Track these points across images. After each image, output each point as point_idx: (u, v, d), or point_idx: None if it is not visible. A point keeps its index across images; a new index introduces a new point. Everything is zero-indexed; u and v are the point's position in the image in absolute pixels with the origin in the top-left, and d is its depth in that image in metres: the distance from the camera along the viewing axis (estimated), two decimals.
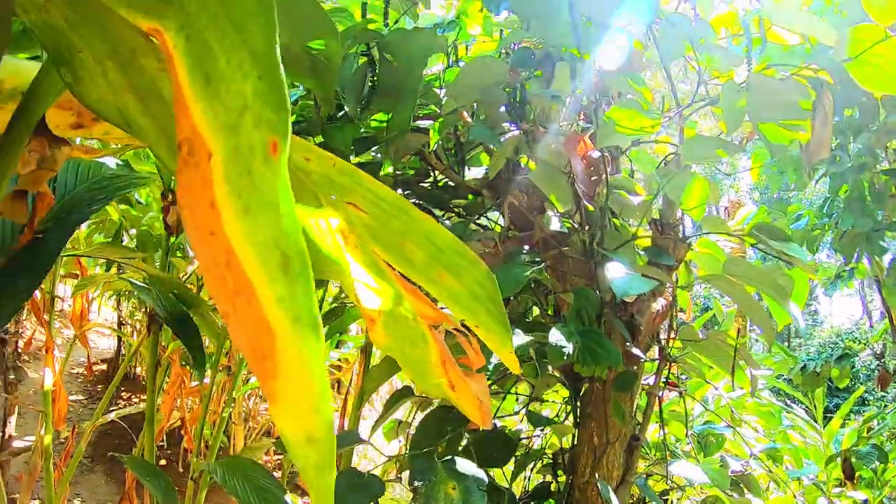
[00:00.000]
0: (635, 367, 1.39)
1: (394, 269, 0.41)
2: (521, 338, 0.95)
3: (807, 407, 3.43)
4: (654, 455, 1.90)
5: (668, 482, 1.46)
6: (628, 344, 1.11)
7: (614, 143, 1.06)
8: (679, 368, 1.62)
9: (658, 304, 0.94)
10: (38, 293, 1.51)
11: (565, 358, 0.87)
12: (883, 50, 0.98)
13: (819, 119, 0.97)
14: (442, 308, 0.45)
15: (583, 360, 0.89)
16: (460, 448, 1.08)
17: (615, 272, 0.86)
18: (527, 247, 1.10)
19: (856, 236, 3.03)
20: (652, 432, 2.12)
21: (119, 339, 4.62)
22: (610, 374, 1.24)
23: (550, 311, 1.21)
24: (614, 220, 1.35)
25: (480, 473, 0.86)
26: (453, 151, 1.56)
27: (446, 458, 0.88)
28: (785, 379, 3.67)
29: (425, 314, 0.42)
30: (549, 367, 1.39)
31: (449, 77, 1.33)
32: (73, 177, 0.76)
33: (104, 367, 4.68)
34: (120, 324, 4.33)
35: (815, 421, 3.25)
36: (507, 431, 1.42)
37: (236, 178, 0.24)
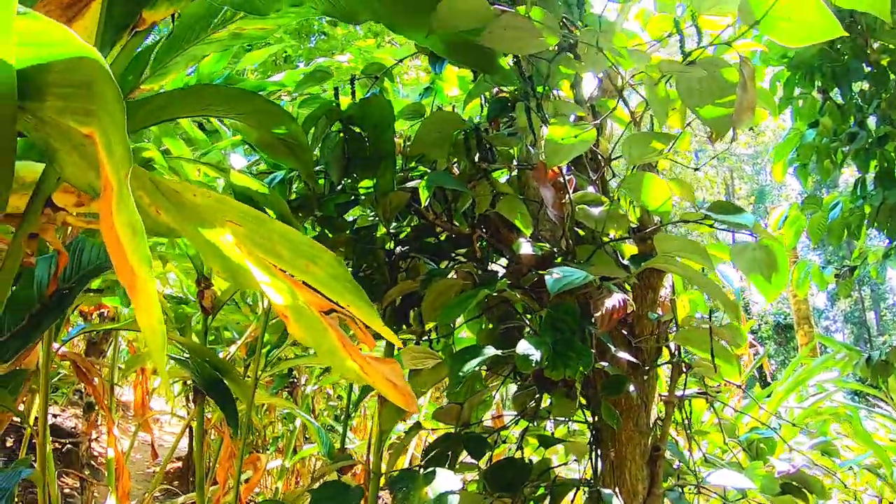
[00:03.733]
0: (645, 377, 1.41)
1: (277, 268, 0.53)
2: (490, 350, 1.02)
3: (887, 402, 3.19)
4: (704, 468, 1.84)
5: (696, 491, 1.43)
6: (613, 349, 1.15)
7: (562, 162, 1.15)
8: (700, 373, 1.60)
9: (613, 301, 0.99)
10: (97, 381, 1.70)
11: (534, 365, 0.94)
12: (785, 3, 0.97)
13: (741, 85, 1.03)
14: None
15: (552, 365, 0.95)
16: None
17: (554, 275, 0.93)
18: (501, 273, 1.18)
19: (891, 209, 2.91)
20: (708, 448, 2.05)
21: (191, 436, 4.87)
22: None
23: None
24: (604, 236, 1.42)
25: (456, 481, 0.92)
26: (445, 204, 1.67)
27: (428, 470, 0.94)
28: (859, 379, 3.45)
29: (311, 301, 0.53)
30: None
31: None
32: (96, 252, 0.97)
33: (179, 464, 4.88)
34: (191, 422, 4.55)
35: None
36: (528, 461, 1.44)
37: (118, 197, 0.40)
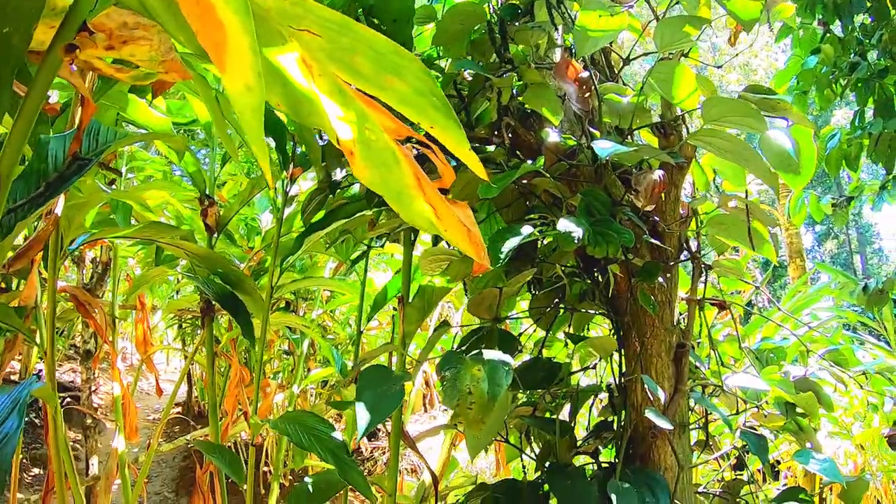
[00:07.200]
0: (668, 274, 1.40)
1: (351, 86, 0.48)
2: (528, 228, 0.99)
3: (880, 335, 3.27)
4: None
5: (717, 392, 1.45)
6: (646, 235, 1.14)
7: (591, 51, 1.11)
8: (716, 275, 1.61)
9: (655, 175, 0.97)
10: (97, 313, 1.65)
11: (576, 242, 0.91)
12: None
13: None
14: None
15: (594, 242, 0.92)
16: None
17: (602, 144, 0.90)
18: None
19: (891, 140, 2.92)
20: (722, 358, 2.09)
21: (190, 382, 4.90)
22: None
23: None
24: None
25: (507, 357, 0.91)
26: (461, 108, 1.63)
27: (474, 351, 0.93)
28: (853, 308, 3.51)
29: (387, 126, 0.48)
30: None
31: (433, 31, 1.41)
32: (112, 134, 0.93)
33: (179, 409, 4.92)
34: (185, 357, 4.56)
35: (889, 344, 3.10)
36: (553, 361, 1.45)
37: None
